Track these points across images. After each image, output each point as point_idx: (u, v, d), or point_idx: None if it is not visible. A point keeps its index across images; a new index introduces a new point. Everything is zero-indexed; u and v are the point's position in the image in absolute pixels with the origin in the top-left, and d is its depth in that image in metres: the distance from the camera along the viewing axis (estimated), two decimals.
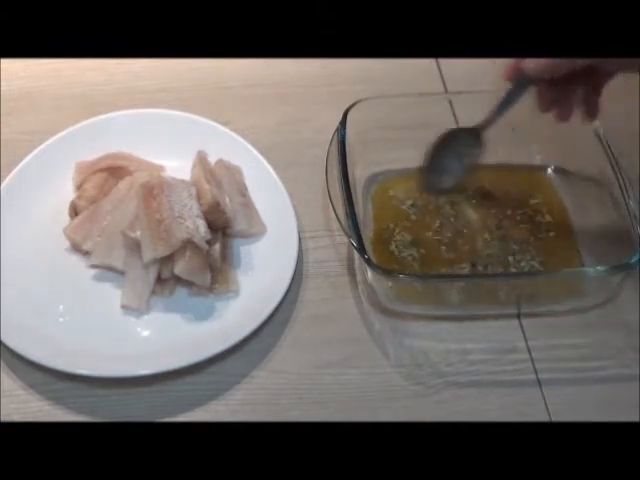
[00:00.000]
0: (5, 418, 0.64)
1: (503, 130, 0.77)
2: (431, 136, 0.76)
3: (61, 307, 0.69)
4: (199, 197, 0.70)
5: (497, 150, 0.77)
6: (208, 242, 0.67)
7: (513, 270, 0.70)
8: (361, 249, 0.65)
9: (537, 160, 0.77)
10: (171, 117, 0.79)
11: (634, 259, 0.64)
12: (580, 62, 0.61)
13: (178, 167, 0.75)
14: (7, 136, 0.79)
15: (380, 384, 0.67)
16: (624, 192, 0.68)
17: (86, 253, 0.71)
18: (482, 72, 0.83)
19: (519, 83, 0.65)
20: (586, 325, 0.70)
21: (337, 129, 0.71)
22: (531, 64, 0.63)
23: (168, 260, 0.67)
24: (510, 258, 0.71)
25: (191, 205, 0.69)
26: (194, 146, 0.76)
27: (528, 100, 0.77)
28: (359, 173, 0.74)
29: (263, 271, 0.71)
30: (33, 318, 0.67)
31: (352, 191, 0.67)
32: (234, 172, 0.76)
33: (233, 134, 0.78)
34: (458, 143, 0.69)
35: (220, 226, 0.71)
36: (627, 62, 0.61)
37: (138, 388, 0.66)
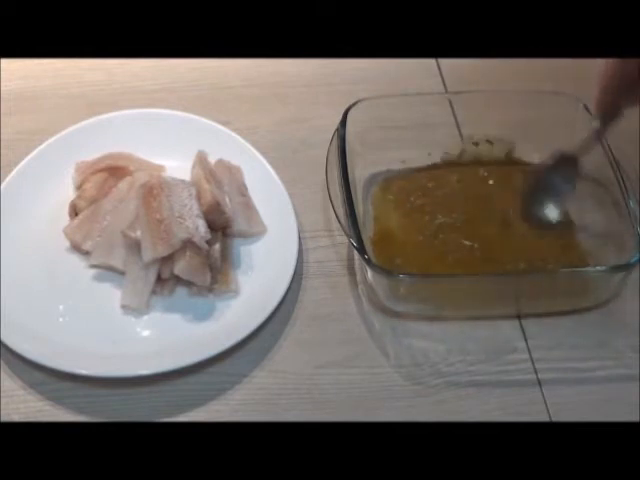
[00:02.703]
0: (5, 418, 0.64)
1: (503, 130, 0.77)
2: (431, 136, 0.76)
3: (61, 307, 0.69)
4: (199, 197, 0.70)
5: (497, 150, 0.78)
6: (208, 242, 0.67)
7: (513, 270, 0.71)
8: (361, 249, 0.64)
9: (537, 160, 0.77)
10: (171, 117, 0.79)
11: (634, 259, 0.64)
12: None
13: (178, 167, 0.75)
14: (7, 136, 0.79)
15: (380, 384, 0.67)
16: (624, 192, 0.68)
17: (86, 253, 0.71)
18: (482, 72, 0.84)
19: (613, 115, 0.66)
20: (586, 325, 0.70)
21: (337, 129, 0.71)
22: (628, 101, 0.64)
23: (168, 260, 0.67)
24: (510, 258, 0.71)
25: (191, 205, 0.69)
26: (194, 146, 0.76)
27: (528, 100, 0.77)
28: (359, 173, 0.74)
29: (263, 271, 0.71)
30: (33, 318, 0.67)
31: (352, 191, 0.67)
32: (234, 172, 0.76)
33: (233, 134, 0.78)
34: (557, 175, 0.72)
35: (220, 226, 0.71)
36: None
37: (138, 388, 0.66)
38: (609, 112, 0.66)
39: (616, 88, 0.64)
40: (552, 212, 0.73)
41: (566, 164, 0.71)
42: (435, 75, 0.87)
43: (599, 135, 0.69)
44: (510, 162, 0.78)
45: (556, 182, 0.72)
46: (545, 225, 0.73)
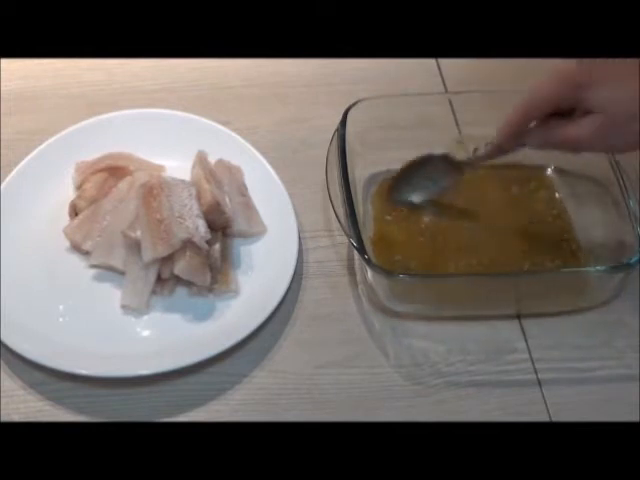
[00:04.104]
0: (5, 418, 0.64)
1: None
2: (431, 136, 0.76)
3: (61, 307, 0.69)
4: (199, 197, 0.70)
5: None
6: (208, 242, 0.67)
7: (513, 270, 0.71)
8: (361, 249, 0.65)
9: (537, 160, 0.77)
10: (171, 117, 0.79)
11: (634, 259, 0.64)
12: None
13: (178, 167, 0.75)
14: (7, 136, 0.79)
15: (380, 384, 0.67)
16: (624, 192, 0.68)
17: (86, 253, 0.71)
18: (482, 72, 0.84)
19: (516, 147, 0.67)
20: (586, 325, 0.70)
21: (337, 129, 0.71)
22: (534, 141, 0.64)
23: (168, 260, 0.67)
24: (510, 258, 0.71)
25: (191, 205, 0.69)
26: (194, 146, 0.76)
27: None
28: (359, 173, 0.74)
29: (263, 271, 0.71)
30: (33, 318, 0.67)
31: (352, 191, 0.67)
32: (234, 172, 0.76)
33: (233, 134, 0.78)
34: (434, 166, 0.73)
35: (220, 226, 0.71)
36: None
37: (138, 388, 0.66)
38: (508, 143, 0.66)
39: (523, 124, 0.64)
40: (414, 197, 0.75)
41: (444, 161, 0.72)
42: (435, 75, 0.87)
43: (487, 158, 0.69)
44: (509, 163, 0.77)
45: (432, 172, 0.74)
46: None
